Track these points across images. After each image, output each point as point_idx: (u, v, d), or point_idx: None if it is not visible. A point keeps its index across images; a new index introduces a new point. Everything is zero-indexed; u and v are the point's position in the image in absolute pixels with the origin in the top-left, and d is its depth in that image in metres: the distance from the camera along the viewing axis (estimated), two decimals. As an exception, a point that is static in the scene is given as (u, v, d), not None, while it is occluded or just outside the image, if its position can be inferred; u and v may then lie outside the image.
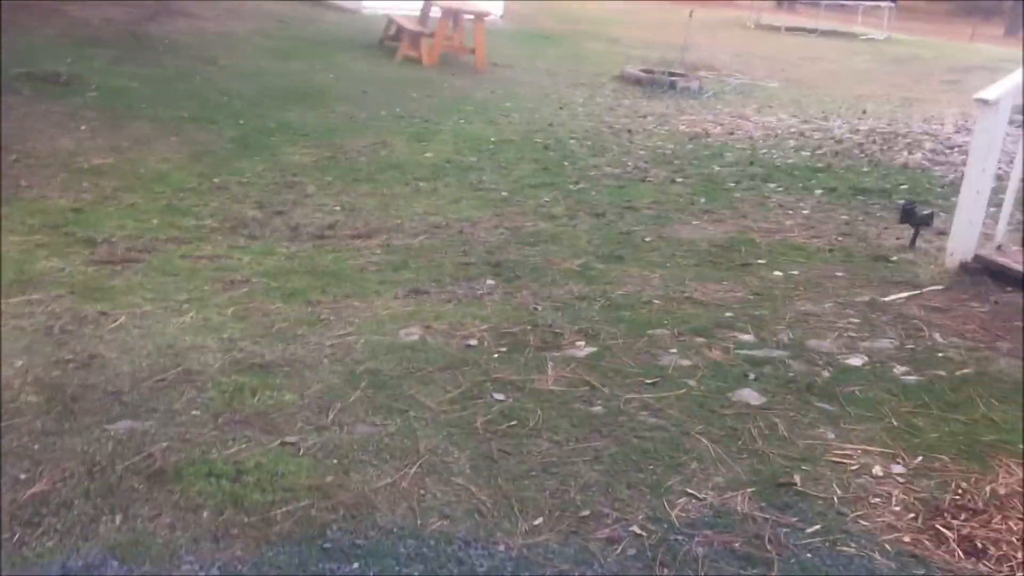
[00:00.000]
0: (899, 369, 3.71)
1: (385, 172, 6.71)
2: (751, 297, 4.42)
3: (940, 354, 3.89)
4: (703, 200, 6.48)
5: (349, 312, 3.84)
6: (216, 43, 11.42)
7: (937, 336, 4.08)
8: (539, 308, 4.05)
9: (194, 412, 2.94)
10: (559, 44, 16.39)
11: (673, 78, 13.11)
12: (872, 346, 3.92)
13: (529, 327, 3.81)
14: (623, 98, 11.75)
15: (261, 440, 2.80)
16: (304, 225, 5.24)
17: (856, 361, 3.75)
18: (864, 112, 11.35)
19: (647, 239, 5.39)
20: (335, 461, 2.71)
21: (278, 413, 2.97)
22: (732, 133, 9.41)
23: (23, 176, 5.87)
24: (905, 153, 8.71)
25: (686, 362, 3.59)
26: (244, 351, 3.37)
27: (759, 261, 5.04)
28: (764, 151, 8.52)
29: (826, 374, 3.61)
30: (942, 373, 3.70)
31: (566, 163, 7.38)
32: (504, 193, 6.26)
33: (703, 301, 4.30)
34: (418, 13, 13.33)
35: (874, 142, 9.24)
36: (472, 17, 12.59)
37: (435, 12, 12.97)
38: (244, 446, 2.75)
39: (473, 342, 3.61)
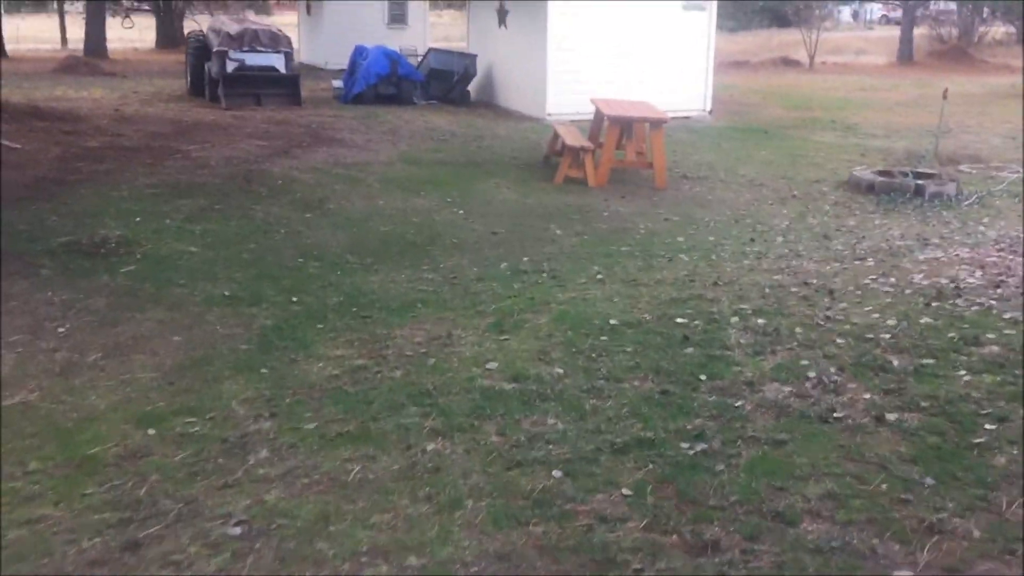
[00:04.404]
0: None
1: (401, 411, 4.16)
2: None
3: None
4: (929, 486, 3.37)
5: None
6: (340, 179, 9.49)
7: None
8: None
9: None
10: (778, 140, 13.28)
11: (919, 181, 9.72)
12: None
13: None
14: (846, 217, 8.59)
15: None
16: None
17: None
18: None
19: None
20: None
21: None
22: (998, 286, 6.04)
23: None
24: None
25: None
26: None
27: None
28: (1053, 324, 5.16)
29: None
30: None
31: (703, 376, 4.48)
32: (556, 474, 3.49)
33: None
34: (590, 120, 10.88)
35: None
36: (648, 125, 9.92)
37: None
38: None
39: None
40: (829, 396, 4.21)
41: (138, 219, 7.62)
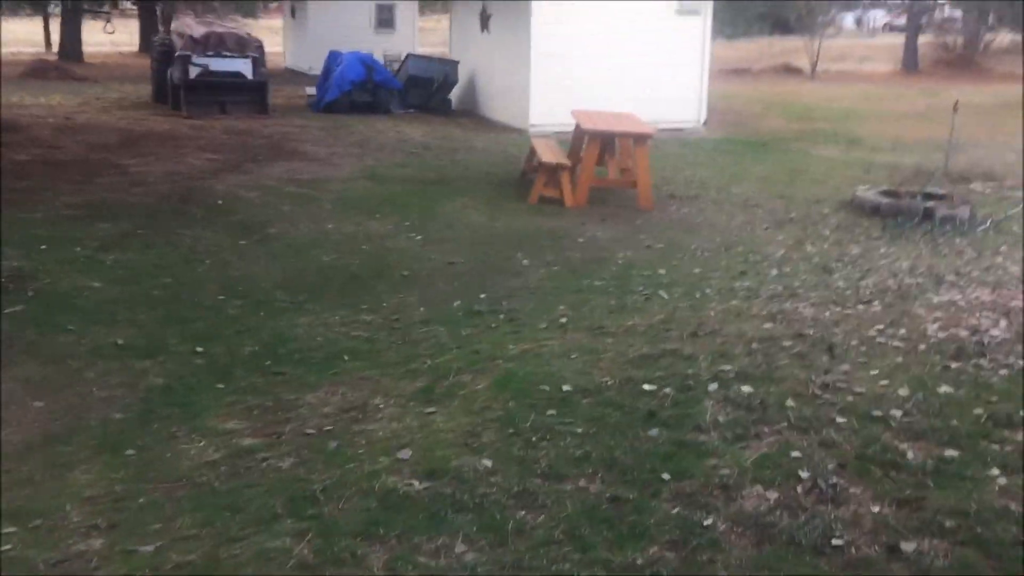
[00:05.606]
0: None
1: (272, 526, 3.18)
2: None
3: None
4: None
5: None
6: (290, 198, 8.53)
7: None
8: None
9: None
10: (776, 154, 12.29)
11: (929, 203, 8.72)
12: None
13: None
14: (848, 244, 7.60)
15: None
16: None
17: None
18: None
19: None
20: None
21: None
22: (1029, 338, 5.05)
23: None
24: None
25: None
26: None
27: None
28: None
29: None
30: None
31: (666, 475, 3.49)
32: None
33: None
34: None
35: None
36: (631, 140, 8.94)
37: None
38: None
39: None
40: (826, 508, 3.22)
41: (44, 247, 6.65)
